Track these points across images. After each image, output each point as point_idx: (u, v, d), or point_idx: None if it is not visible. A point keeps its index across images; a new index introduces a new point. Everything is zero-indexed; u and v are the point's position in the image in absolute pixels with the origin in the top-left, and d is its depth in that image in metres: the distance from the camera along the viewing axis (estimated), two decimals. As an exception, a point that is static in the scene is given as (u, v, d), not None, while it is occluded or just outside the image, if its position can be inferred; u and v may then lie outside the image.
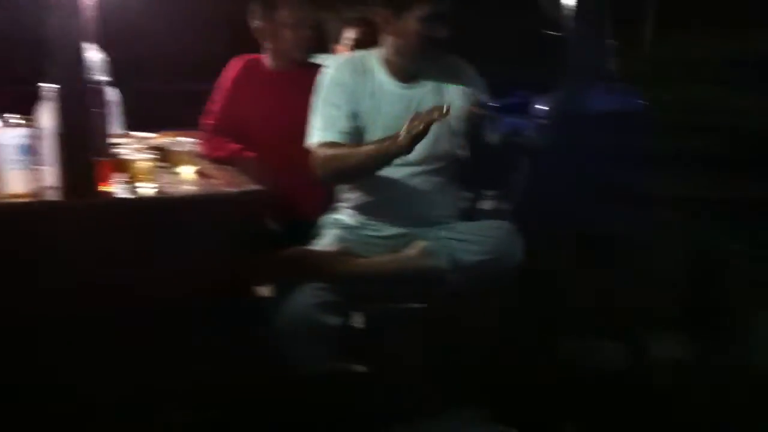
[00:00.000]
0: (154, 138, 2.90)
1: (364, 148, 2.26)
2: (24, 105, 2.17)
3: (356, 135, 2.32)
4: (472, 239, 2.25)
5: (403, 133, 2.09)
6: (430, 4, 2.24)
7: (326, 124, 2.30)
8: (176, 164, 2.41)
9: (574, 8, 2.52)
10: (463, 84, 2.38)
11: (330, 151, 2.27)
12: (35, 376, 1.93)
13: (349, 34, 3.18)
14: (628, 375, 2.59)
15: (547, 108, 2.54)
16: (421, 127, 2.05)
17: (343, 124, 2.30)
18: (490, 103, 2.38)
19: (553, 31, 2.64)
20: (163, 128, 2.90)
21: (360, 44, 3.20)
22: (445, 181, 2.41)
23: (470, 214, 2.53)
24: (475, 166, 2.38)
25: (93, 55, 2.00)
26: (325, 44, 3.58)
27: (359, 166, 2.26)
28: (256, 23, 2.73)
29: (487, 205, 2.59)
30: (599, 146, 2.46)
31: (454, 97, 2.34)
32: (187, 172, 2.34)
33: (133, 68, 2.84)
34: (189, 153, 2.51)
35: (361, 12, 3.50)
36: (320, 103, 2.34)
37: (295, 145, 2.48)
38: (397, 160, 2.21)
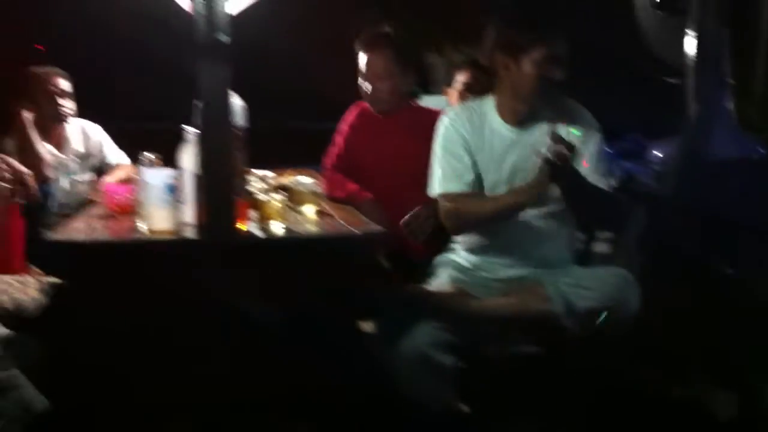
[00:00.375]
0: (274, 177, 3.06)
1: (496, 200, 2.32)
2: (155, 140, 2.34)
3: (478, 183, 2.37)
4: (588, 285, 2.24)
5: (529, 185, 2.15)
6: (546, 48, 2.27)
7: (448, 175, 2.37)
8: (299, 203, 2.52)
9: (694, 53, 2.52)
10: (578, 127, 2.37)
11: (458, 204, 2.34)
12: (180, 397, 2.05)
13: (460, 77, 3.26)
14: (743, 424, 2.53)
15: (665, 154, 2.54)
16: (548, 175, 2.09)
17: (465, 174, 2.36)
18: (606, 147, 2.40)
19: (668, 75, 2.65)
20: (280, 165, 3.05)
21: (470, 87, 3.28)
22: (560, 224, 2.42)
23: (586, 259, 2.54)
24: (590, 210, 2.40)
25: (235, 100, 2.14)
26: (437, 86, 3.69)
27: (491, 217, 2.32)
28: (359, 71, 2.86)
29: (603, 249, 2.59)
30: (722, 193, 2.44)
31: (569, 139, 2.35)
32: (310, 211, 2.45)
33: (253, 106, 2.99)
34: (311, 192, 2.62)
35: (471, 55, 3.59)
36: (440, 154, 2.41)
37: (408, 186, 2.58)
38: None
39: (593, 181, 2.31)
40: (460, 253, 2.49)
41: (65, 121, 3.44)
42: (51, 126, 3.39)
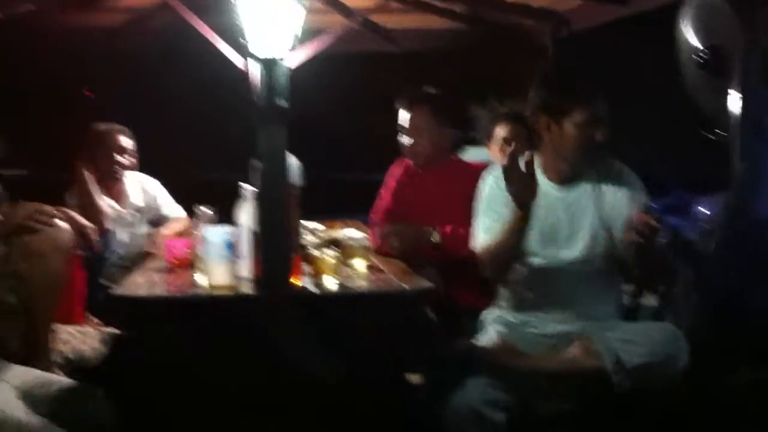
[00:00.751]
0: (324, 229, 3.15)
1: (506, 225, 2.34)
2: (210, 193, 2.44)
3: None
4: (636, 340, 2.25)
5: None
6: (589, 110, 2.33)
7: (487, 231, 2.43)
8: (350, 257, 2.58)
9: (738, 111, 2.54)
10: (621, 187, 2.42)
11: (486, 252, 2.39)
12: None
13: (499, 131, 3.34)
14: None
15: (710, 210, 2.57)
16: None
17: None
18: (650, 204, 2.42)
19: (713, 132, 2.67)
20: (330, 216, 3.15)
21: (509, 141, 3.37)
22: (607, 280, 2.45)
23: (634, 314, 2.55)
24: (636, 266, 2.41)
25: (291, 160, 2.24)
26: (481, 137, 3.76)
27: (505, 247, 2.35)
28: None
29: (651, 304, 2.61)
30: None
31: (613, 199, 2.40)
32: (360, 265, 2.52)
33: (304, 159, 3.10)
34: (361, 247, 2.69)
35: (513, 108, 3.68)
36: (481, 210, 2.47)
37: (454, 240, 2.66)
38: (557, 261, 2.32)
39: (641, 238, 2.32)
40: (507, 308, 2.52)
41: (124, 176, 3.58)
42: (111, 181, 3.54)
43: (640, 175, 2.48)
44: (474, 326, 2.56)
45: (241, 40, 2.02)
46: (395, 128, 3.04)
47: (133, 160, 3.61)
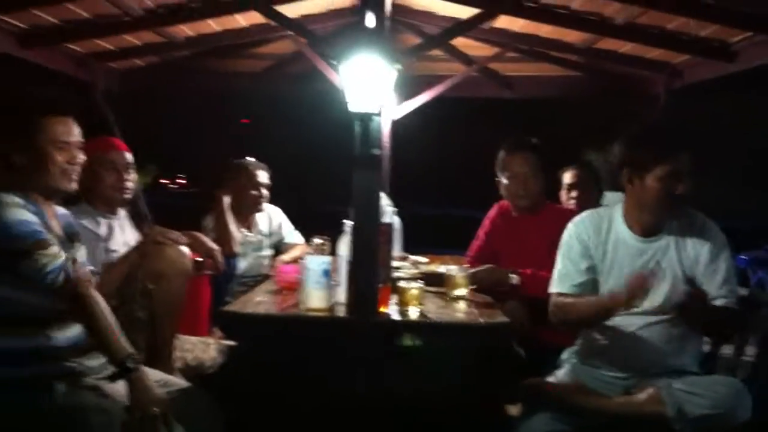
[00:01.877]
0: (426, 262, 3.41)
1: (588, 302, 2.46)
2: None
3: (591, 286, 2.53)
4: (700, 393, 2.30)
5: (624, 291, 2.28)
6: (670, 164, 2.39)
7: (562, 277, 2.57)
8: (450, 289, 2.79)
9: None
10: (703, 240, 2.45)
11: (561, 301, 2.53)
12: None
13: (565, 178, 3.48)
14: None
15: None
16: (640, 291, 2.23)
17: (577, 278, 2.54)
18: (738, 256, 2.48)
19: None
20: (433, 250, 3.40)
21: (572, 188, 3.52)
22: (681, 331, 2.48)
23: (712, 363, 2.60)
24: (713, 326, 2.43)
25: (384, 201, 2.50)
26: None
27: (583, 318, 2.48)
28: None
29: (728, 355, 2.64)
30: None
31: (693, 252, 2.45)
32: (456, 297, 2.75)
33: (410, 197, 3.38)
34: (458, 280, 2.88)
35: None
36: (560, 256, 2.61)
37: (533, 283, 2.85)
38: (636, 309, 2.39)
39: (718, 296, 2.39)
40: (583, 348, 2.64)
41: (260, 209, 3.98)
42: (248, 211, 3.95)
43: (742, 226, 2.49)
44: (556, 362, 2.69)
45: (344, 99, 2.32)
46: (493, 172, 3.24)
47: (268, 194, 3.99)
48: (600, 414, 2.37)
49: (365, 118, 2.26)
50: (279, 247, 4.12)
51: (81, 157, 2.32)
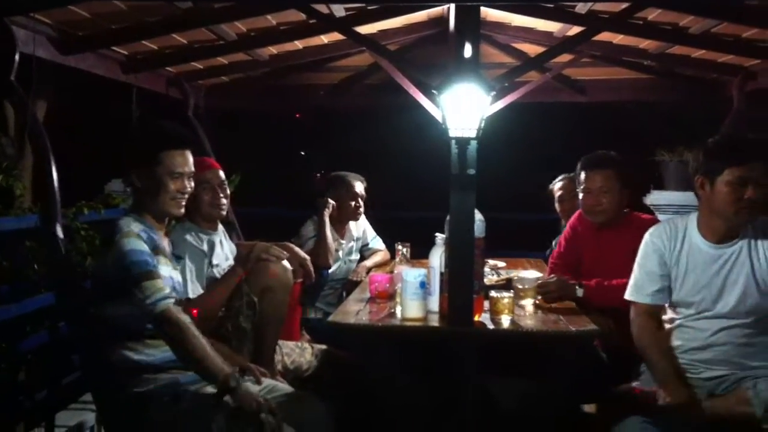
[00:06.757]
0: (504, 265, 3.55)
1: (660, 367, 2.56)
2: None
3: (665, 294, 2.64)
4: None
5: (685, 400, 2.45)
6: (740, 169, 2.43)
7: (638, 286, 2.68)
8: (522, 297, 2.92)
9: None
10: None
11: (644, 338, 2.63)
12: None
13: (557, 189, 3.65)
14: None
15: None
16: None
17: (650, 287, 2.64)
18: None
19: None
20: (511, 253, 3.51)
21: (562, 198, 3.73)
22: (756, 332, 2.55)
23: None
24: None
25: (477, 216, 2.62)
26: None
27: (649, 367, 2.62)
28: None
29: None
30: None
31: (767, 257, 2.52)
32: (529, 305, 2.86)
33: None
34: (530, 289, 2.99)
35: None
36: (637, 265, 2.71)
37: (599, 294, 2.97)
38: (709, 313, 2.53)
39: None
40: (668, 351, 2.72)
41: (357, 218, 4.16)
42: (344, 221, 4.15)
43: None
44: (638, 367, 2.77)
45: (442, 125, 2.46)
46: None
47: (363, 205, 4.18)
48: (689, 417, 2.45)
49: (462, 143, 2.40)
50: (362, 252, 4.30)
51: (191, 186, 2.53)
